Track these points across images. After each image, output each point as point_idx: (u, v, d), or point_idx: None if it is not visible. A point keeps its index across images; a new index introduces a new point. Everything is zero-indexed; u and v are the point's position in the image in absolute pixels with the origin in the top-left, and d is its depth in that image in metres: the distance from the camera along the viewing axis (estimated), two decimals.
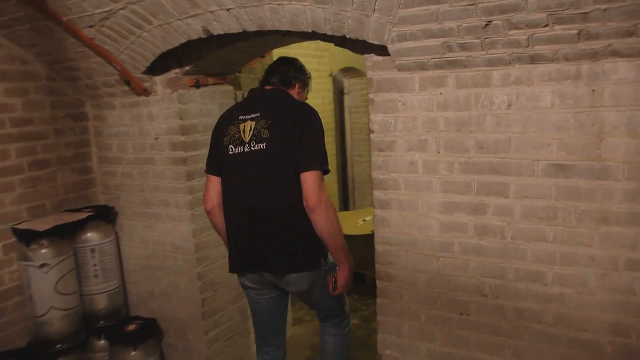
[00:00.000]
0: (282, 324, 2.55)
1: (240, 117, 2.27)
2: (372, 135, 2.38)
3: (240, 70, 3.44)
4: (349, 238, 2.72)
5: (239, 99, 3.40)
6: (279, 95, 2.32)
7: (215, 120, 2.47)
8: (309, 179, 2.09)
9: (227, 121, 2.32)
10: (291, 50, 5.93)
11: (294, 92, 2.45)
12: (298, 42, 3.06)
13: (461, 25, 1.90)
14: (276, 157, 2.15)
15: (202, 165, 2.74)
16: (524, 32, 1.84)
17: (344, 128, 7.79)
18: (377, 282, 2.48)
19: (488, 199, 2.14)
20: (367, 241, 3.01)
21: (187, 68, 2.91)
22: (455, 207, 2.22)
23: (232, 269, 2.39)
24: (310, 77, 2.58)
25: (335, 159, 7.19)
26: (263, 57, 3.66)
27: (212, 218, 2.42)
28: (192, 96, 3.03)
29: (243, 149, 2.20)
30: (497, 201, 2.13)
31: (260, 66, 3.76)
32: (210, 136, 2.51)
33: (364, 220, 5.50)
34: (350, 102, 7.62)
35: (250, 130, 2.19)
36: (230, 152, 2.25)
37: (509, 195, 2.10)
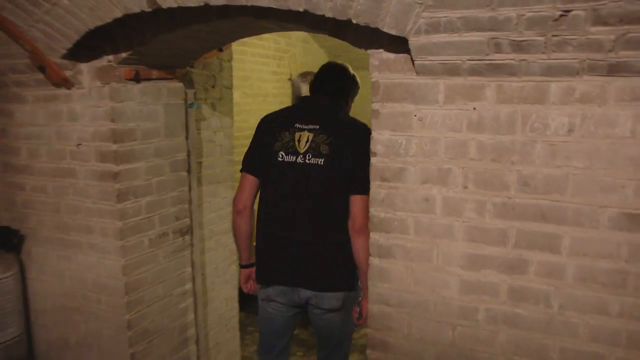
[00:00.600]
0: (290, 344, 2.49)
1: (297, 125, 2.19)
2: (373, 159, 1.79)
3: (192, 64, 2.76)
4: None
5: (191, 100, 2.72)
6: (337, 110, 2.28)
7: (159, 124, 2.27)
8: (360, 202, 2.07)
9: (280, 125, 2.23)
10: (249, 49, 5.31)
11: (345, 104, 2.39)
12: (273, 30, 2.43)
13: (524, 15, 1.35)
14: (333, 175, 2.11)
15: (139, 182, 2.38)
16: (613, 30, 1.30)
17: None
18: (369, 352, 1.89)
19: (531, 255, 1.59)
20: None
21: (124, 55, 2.21)
22: (484, 262, 1.66)
23: (263, 279, 2.29)
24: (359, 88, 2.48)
25: None
26: (221, 50, 3.00)
27: (239, 220, 2.30)
28: (129, 92, 2.33)
29: (296, 159, 2.14)
30: (544, 257, 1.58)
31: (217, 62, 3.09)
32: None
33: None
34: None
35: (307, 142, 2.13)
36: (279, 159, 2.17)
37: (561, 252, 1.56)
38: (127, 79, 2.27)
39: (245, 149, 2.34)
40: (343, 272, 2.18)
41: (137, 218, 2.41)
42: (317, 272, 2.16)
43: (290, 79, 5.85)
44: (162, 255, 2.58)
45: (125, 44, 2.18)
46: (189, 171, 2.70)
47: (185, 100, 2.66)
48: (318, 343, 2.47)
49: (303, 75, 6.60)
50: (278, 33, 5.53)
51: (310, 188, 2.12)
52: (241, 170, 2.30)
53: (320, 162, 2.10)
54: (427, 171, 1.69)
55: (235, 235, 2.38)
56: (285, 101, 5.83)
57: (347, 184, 2.09)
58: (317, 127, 2.15)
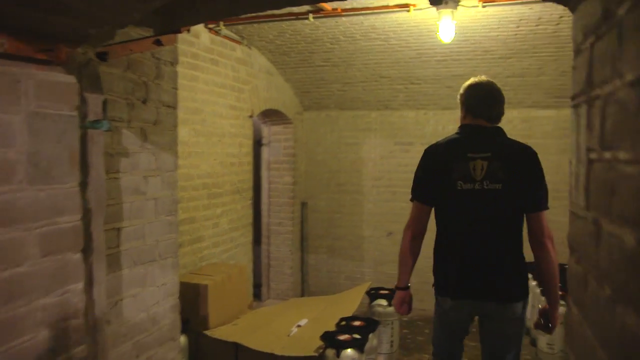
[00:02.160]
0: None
1: (469, 155, 2.33)
2: None
3: (104, 52, 1.54)
4: None
5: (96, 114, 1.47)
6: (501, 135, 2.41)
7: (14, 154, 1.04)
8: (542, 217, 2.30)
9: (453, 155, 2.37)
10: (202, 75, 4.13)
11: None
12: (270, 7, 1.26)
13: None
14: (511, 196, 2.29)
15: None
16: None
17: (260, 188, 5.95)
18: None
19: None
20: None
21: None
22: None
23: (452, 294, 2.41)
24: None
25: (252, 227, 5.30)
26: (160, 43, 1.79)
27: (415, 243, 2.46)
28: None
29: (474, 186, 2.31)
30: None
31: (152, 63, 1.88)
32: None
33: (299, 327, 3.61)
34: (269, 157, 5.85)
35: (482, 170, 2.30)
36: (458, 188, 2.33)
37: None
38: None
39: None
40: (522, 282, 2.40)
41: None
42: (503, 285, 2.34)
43: (251, 117, 4.68)
44: None
45: None
46: (86, 250, 1.41)
47: (83, 112, 1.41)
48: (488, 353, 2.53)
49: (266, 114, 5.45)
50: (238, 60, 4.39)
51: (493, 211, 2.32)
52: (414, 200, 2.44)
53: (499, 187, 2.29)
54: None
55: (405, 259, 2.48)
56: (246, 143, 4.62)
57: (522, 202, 2.29)
58: (489, 154, 2.30)
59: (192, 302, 3.48)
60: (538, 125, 5.23)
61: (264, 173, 5.89)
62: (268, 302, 5.87)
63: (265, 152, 5.88)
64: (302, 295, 6.11)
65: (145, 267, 1.95)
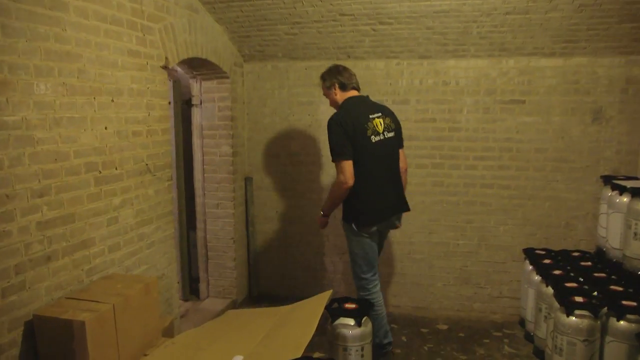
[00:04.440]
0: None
1: (370, 116, 3.22)
2: None
3: None
4: None
5: None
6: (370, 99, 3.44)
7: None
8: (403, 153, 3.48)
9: (364, 119, 3.20)
10: (73, 2, 2.72)
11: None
12: None
13: None
14: (398, 140, 3.40)
15: None
16: None
17: (191, 161, 4.73)
18: None
19: None
20: None
21: None
22: None
23: (370, 222, 3.25)
24: None
25: (177, 215, 4.12)
26: None
27: (347, 192, 3.17)
28: None
29: (380, 137, 3.24)
30: None
31: None
32: None
33: None
34: (201, 121, 4.59)
35: (381, 125, 3.24)
36: (372, 141, 3.18)
37: None
38: None
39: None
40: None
41: None
42: (402, 200, 3.47)
43: (165, 67, 3.40)
44: None
45: None
46: None
47: None
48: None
49: (192, 65, 4.17)
50: None
51: (391, 151, 3.35)
52: (343, 159, 3.10)
53: (392, 134, 3.33)
54: None
55: (337, 203, 3.30)
56: (158, 104, 3.35)
57: (399, 143, 3.45)
58: (380, 114, 3.29)
59: (64, 346, 2.31)
60: (539, 78, 4.14)
61: (196, 141, 4.65)
62: (207, 301, 4.75)
63: (196, 115, 4.62)
64: (249, 293, 4.99)
65: None
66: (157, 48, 3.30)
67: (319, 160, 4.66)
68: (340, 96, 3.31)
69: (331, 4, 3.69)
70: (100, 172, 2.82)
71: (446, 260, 4.53)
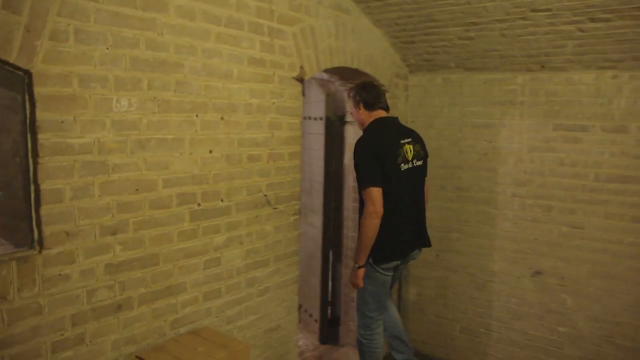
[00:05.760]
0: None
1: (401, 142, 2.88)
2: None
3: None
4: None
5: None
6: (399, 121, 3.09)
7: None
8: (427, 183, 3.14)
9: (394, 144, 2.87)
10: (197, 4, 2.14)
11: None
12: None
13: None
14: (425, 169, 3.07)
15: None
16: None
17: (342, 188, 4.12)
18: None
19: None
20: None
21: None
22: None
23: (390, 258, 2.89)
24: None
25: (323, 244, 3.56)
26: None
27: (378, 221, 2.75)
28: None
29: (409, 165, 2.91)
30: None
31: None
32: None
33: None
34: (354, 140, 3.94)
35: (411, 152, 2.91)
36: (402, 169, 2.85)
37: None
38: None
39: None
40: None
41: None
42: (425, 233, 3.15)
43: (300, 79, 2.83)
44: None
45: None
46: None
47: None
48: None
49: (344, 76, 3.56)
50: None
51: (419, 180, 3.03)
52: (373, 186, 2.71)
53: (421, 162, 3.01)
54: None
55: (371, 242, 2.79)
56: (287, 123, 2.78)
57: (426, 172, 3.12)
58: (410, 139, 2.95)
59: None
60: None
61: (348, 163, 4.02)
62: (344, 350, 4.12)
63: (349, 134, 3.99)
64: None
65: None
66: (290, 55, 2.74)
67: (494, 199, 3.66)
68: (367, 116, 2.98)
69: None
70: (199, 204, 2.34)
71: None
